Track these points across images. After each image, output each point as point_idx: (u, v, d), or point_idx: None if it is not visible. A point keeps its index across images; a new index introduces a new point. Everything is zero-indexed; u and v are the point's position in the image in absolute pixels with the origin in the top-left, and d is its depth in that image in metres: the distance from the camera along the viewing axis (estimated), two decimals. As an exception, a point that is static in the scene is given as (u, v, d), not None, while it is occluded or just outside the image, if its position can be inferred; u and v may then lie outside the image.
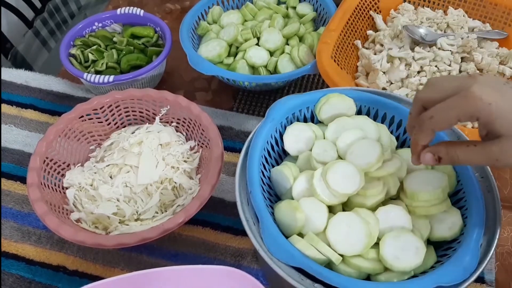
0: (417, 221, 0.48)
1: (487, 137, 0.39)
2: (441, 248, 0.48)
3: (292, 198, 0.50)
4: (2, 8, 1.00)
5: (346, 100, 0.56)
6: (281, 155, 0.58)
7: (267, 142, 0.54)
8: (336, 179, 0.48)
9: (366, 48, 0.78)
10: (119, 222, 0.60)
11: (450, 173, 0.50)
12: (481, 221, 0.45)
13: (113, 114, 0.69)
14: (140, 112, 0.70)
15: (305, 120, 0.58)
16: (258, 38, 0.79)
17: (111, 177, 0.64)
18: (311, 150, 0.53)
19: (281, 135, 0.56)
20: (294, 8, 0.85)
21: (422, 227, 0.48)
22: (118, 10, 0.83)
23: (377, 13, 0.81)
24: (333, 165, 0.49)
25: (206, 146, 0.64)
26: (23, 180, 0.69)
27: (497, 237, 0.45)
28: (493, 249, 0.44)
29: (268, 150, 0.55)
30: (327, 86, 0.65)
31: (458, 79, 0.39)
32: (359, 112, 0.58)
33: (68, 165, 0.65)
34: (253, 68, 0.77)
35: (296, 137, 0.55)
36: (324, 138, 0.55)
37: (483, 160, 0.40)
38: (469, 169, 0.49)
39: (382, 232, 0.47)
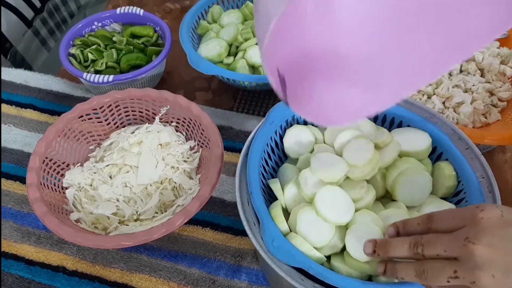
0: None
1: None
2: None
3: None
4: (2, 8, 0.99)
5: (346, 101, 0.56)
6: (282, 158, 0.58)
7: (267, 144, 0.54)
8: (319, 165, 0.49)
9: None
10: (118, 223, 0.59)
11: (450, 174, 0.50)
12: (482, 221, 0.45)
13: (113, 114, 0.68)
14: (139, 112, 0.69)
15: (305, 123, 0.58)
16: (258, 38, 0.78)
17: (110, 177, 0.63)
18: (311, 152, 0.53)
19: (281, 138, 0.56)
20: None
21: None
22: (118, 10, 0.83)
23: (378, 12, 0.81)
24: (314, 154, 0.51)
25: (206, 146, 0.64)
26: (22, 180, 0.69)
27: (498, 237, 0.44)
28: (494, 249, 0.44)
29: (268, 152, 0.55)
30: (328, 86, 0.65)
31: (456, 243, 0.34)
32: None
33: (68, 165, 0.65)
34: (253, 68, 0.77)
35: (296, 140, 0.55)
36: (324, 141, 0.55)
37: None
38: (470, 170, 0.49)
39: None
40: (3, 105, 0.78)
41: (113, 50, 0.79)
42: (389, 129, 0.56)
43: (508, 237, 0.32)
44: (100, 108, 0.67)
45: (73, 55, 0.79)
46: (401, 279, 0.38)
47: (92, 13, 0.94)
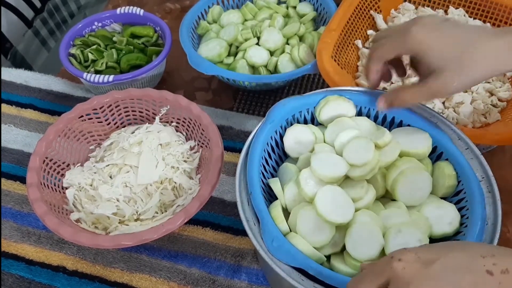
0: (415, 218, 0.48)
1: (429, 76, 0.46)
2: (441, 249, 0.48)
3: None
4: (2, 8, 1.00)
5: (346, 102, 0.56)
6: (282, 157, 0.58)
7: (267, 143, 0.54)
8: (319, 165, 0.50)
9: (367, 48, 0.78)
10: (119, 222, 0.59)
11: (450, 174, 0.50)
12: (482, 221, 0.45)
13: (113, 114, 0.68)
14: (140, 112, 0.70)
15: (305, 122, 0.58)
16: (258, 38, 0.78)
17: (110, 177, 0.63)
18: (311, 151, 0.53)
19: (281, 137, 0.56)
20: (294, 7, 0.84)
21: (421, 223, 0.48)
22: (118, 10, 0.83)
23: (378, 12, 0.81)
24: (315, 154, 0.51)
25: (206, 146, 0.64)
26: (22, 180, 0.69)
27: (497, 237, 0.45)
28: (494, 249, 0.44)
29: (269, 151, 0.55)
30: (328, 86, 0.65)
31: (403, 24, 0.48)
32: (359, 114, 0.57)
33: (68, 165, 0.65)
34: (253, 68, 0.77)
35: (296, 139, 0.55)
36: (324, 140, 0.55)
37: (426, 96, 0.47)
38: (470, 170, 0.49)
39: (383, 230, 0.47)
40: (3, 105, 0.78)
41: (113, 50, 0.79)
42: (389, 129, 0.56)
43: (432, 277, 0.32)
44: (100, 108, 0.67)
45: (73, 55, 0.79)
46: None
47: (92, 13, 0.94)
